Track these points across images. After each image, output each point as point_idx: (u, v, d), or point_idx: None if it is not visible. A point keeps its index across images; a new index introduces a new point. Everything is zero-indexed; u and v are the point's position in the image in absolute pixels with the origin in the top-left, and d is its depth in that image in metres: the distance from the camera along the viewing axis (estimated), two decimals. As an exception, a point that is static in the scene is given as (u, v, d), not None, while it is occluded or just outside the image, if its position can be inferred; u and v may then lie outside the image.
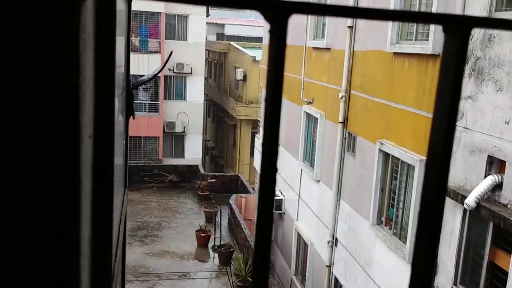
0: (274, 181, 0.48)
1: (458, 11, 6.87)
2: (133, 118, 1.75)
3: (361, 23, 10.03)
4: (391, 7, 8.63)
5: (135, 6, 25.28)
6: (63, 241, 0.49)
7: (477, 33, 6.56)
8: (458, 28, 0.47)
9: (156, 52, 25.68)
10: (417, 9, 8.18)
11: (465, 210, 6.59)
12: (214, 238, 17.79)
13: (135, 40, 25.45)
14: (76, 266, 0.50)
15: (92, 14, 0.57)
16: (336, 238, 11.02)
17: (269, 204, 0.46)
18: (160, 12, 25.55)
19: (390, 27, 8.68)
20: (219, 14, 44.18)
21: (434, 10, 7.44)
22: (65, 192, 0.48)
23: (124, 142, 1.67)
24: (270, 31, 0.47)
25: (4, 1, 0.41)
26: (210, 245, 17.96)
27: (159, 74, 25.45)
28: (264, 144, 0.46)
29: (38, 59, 0.44)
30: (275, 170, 0.47)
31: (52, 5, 0.43)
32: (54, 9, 0.43)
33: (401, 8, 8.55)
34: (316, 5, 0.48)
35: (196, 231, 18.10)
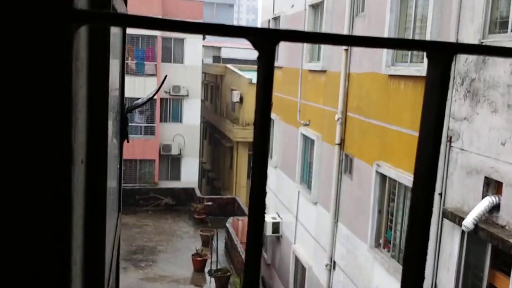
0: (263, 202, 0.47)
1: (452, 33, 6.96)
2: (127, 141, 1.73)
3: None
4: (386, 29, 8.73)
5: (131, 30, 25.63)
6: (53, 266, 0.48)
7: (471, 55, 6.63)
8: (440, 55, 0.47)
9: (153, 75, 25.82)
10: (411, 31, 8.29)
11: (463, 232, 6.56)
12: (211, 262, 17.59)
13: (131, 63, 25.61)
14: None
15: (86, 42, 0.56)
16: (334, 261, 10.92)
17: (259, 231, 0.45)
18: (157, 36, 25.79)
19: (385, 49, 8.77)
20: (216, 37, 44.63)
21: (428, 32, 7.53)
22: (56, 217, 0.47)
23: (118, 166, 1.65)
24: (258, 58, 0.47)
25: None
26: (206, 269, 17.74)
27: (155, 97, 25.53)
28: (253, 169, 0.46)
29: (31, 85, 0.43)
30: (264, 192, 0.46)
31: (45, 33, 0.42)
32: (47, 38, 0.42)
33: (396, 29, 8.66)
34: (302, 33, 0.48)
35: (192, 255, 17.91)
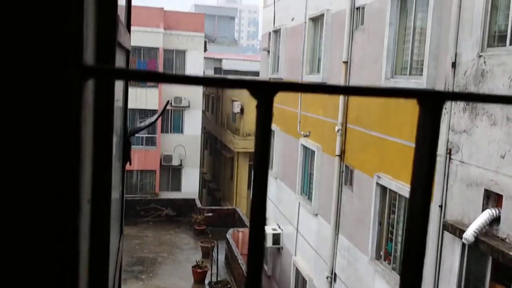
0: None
1: (451, 46, 7.01)
2: (130, 164, 1.76)
3: (356, 58, 10.20)
4: (385, 42, 8.80)
5: (133, 42, 25.70)
6: None
7: (470, 68, 6.68)
8: (430, 102, 0.50)
9: (154, 86, 25.92)
10: (410, 44, 8.34)
11: (463, 244, 6.56)
12: (211, 274, 17.52)
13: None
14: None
15: (93, 88, 0.60)
16: (335, 273, 10.88)
17: (259, 245, 0.48)
18: (158, 48, 25.92)
19: (384, 61, 8.83)
20: (217, 49, 44.86)
21: (427, 45, 7.58)
22: (62, 263, 0.49)
23: (121, 188, 1.68)
24: (257, 107, 0.51)
25: (8, 80, 0.44)
26: (206, 281, 17.67)
27: (156, 107, 25.60)
28: (251, 215, 0.49)
29: (40, 137, 0.46)
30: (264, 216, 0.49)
31: (56, 87, 0.45)
32: (58, 91, 0.45)
33: (395, 43, 8.72)
34: (298, 84, 0.52)
35: (192, 266, 17.84)
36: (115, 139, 1.38)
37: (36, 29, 0.45)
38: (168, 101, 3.35)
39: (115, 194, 1.36)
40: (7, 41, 0.44)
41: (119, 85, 1.42)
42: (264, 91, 0.52)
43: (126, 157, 1.65)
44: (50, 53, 0.45)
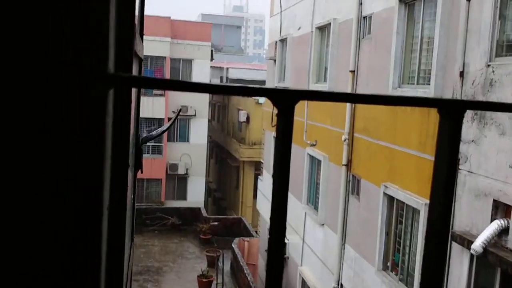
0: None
1: (458, 56, 7.00)
2: (141, 172, 1.76)
3: (363, 67, 10.20)
4: (392, 52, 8.79)
5: (140, 51, 25.74)
6: None
7: (478, 77, 6.65)
8: (451, 111, 0.50)
9: (161, 95, 26.04)
10: (418, 53, 8.33)
11: (472, 255, 6.49)
12: (216, 283, 17.45)
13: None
14: None
15: (113, 96, 0.60)
16: (342, 284, 10.80)
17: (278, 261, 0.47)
18: (165, 57, 26.07)
19: (391, 70, 8.82)
20: (223, 58, 45.05)
21: (435, 54, 7.57)
22: (86, 268, 0.49)
23: (132, 196, 1.68)
24: (278, 115, 0.51)
25: (43, 93, 0.44)
26: (212, 290, 17.59)
27: (163, 117, 25.70)
28: (271, 219, 0.48)
29: (66, 145, 0.46)
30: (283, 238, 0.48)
31: (82, 95, 0.45)
32: (84, 99, 0.46)
33: (402, 52, 8.71)
34: (319, 92, 0.51)
35: (197, 276, 17.78)
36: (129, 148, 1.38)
37: (65, 38, 0.45)
38: (181, 109, 3.36)
39: (128, 203, 1.35)
40: (36, 50, 0.44)
41: (132, 94, 1.43)
42: (286, 99, 0.52)
43: (138, 165, 1.65)
44: (77, 61, 0.45)
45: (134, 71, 1.22)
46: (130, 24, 0.73)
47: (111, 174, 0.66)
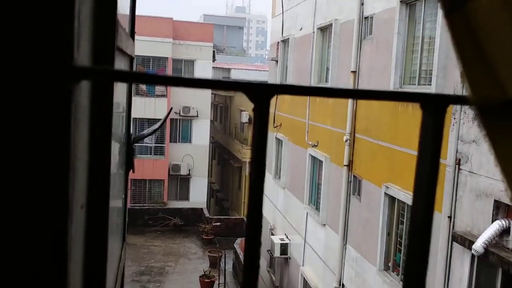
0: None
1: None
2: (133, 172, 1.76)
3: (365, 68, 10.19)
4: (394, 52, 8.78)
5: (142, 51, 25.80)
6: None
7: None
8: (434, 106, 0.49)
9: (163, 96, 26.06)
10: (419, 54, 8.32)
11: (473, 256, 6.47)
12: (219, 284, 17.45)
13: (142, 84, 25.88)
14: None
15: (88, 89, 0.59)
16: (343, 284, 10.79)
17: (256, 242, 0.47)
18: (167, 57, 26.09)
19: (393, 70, 8.81)
20: (225, 59, 45.08)
21: (436, 54, 7.56)
22: (52, 264, 0.48)
23: (123, 196, 1.68)
24: (254, 110, 0.50)
25: None
26: (214, 290, 17.59)
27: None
28: (248, 218, 0.48)
29: (29, 140, 0.45)
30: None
31: (45, 89, 0.45)
32: (47, 94, 0.45)
33: (403, 52, 8.70)
34: (295, 86, 0.51)
35: (200, 276, 17.79)
36: (118, 146, 1.38)
37: (23, 28, 0.45)
38: (171, 108, 3.37)
39: (117, 202, 1.35)
40: None
41: (122, 92, 1.42)
42: (261, 94, 0.51)
43: (129, 164, 1.65)
44: (37, 52, 0.45)
45: (122, 66, 1.22)
46: (111, 19, 0.73)
47: (89, 172, 0.66)
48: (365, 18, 10.18)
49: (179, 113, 26.70)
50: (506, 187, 0.48)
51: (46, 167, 0.46)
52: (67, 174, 0.47)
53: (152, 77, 0.48)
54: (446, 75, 7.37)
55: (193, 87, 0.51)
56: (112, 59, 0.75)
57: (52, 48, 0.45)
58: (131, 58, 1.52)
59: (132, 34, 1.63)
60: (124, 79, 0.45)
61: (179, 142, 27.32)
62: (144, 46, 24.48)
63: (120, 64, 1.15)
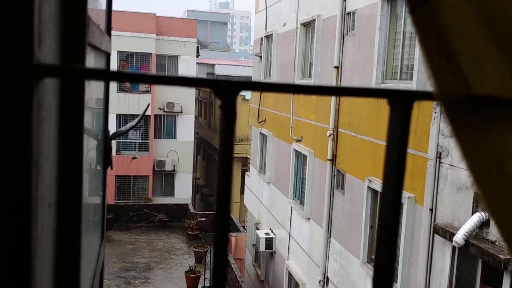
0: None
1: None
2: (111, 169, 1.76)
3: (347, 63, 10.25)
4: (375, 47, 8.84)
5: (126, 47, 25.48)
6: None
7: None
8: (401, 102, 0.50)
9: (147, 91, 25.88)
10: (400, 49, 8.39)
11: (454, 247, 6.58)
12: (204, 279, 17.47)
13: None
14: None
15: (54, 86, 0.59)
16: (327, 277, 10.88)
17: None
18: (151, 53, 25.91)
19: (375, 66, 8.88)
20: (210, 55, 44.89)
21: (417, 49, 7.63)
22: (15, 268, 0.48)
23: (102, 193, 1.68)
24: (221, 107, 0.51)
25: None
26: (200, 286, 17.60)
27: (149, 114, 25.56)
28: (216, 215, 0.49)
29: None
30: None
31: (2, 84, 0.44)
32: (3, 91, 0.45)
33: (385, 47, 8.77)
34: (260, 83, 0.52)
35: (185, 272, 17.78)
36: (94, 143, 1.37)
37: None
38: (149, 104, 3.36)
39: (93, 199, 1.35)
40: None
41: (98, 88, 1.42)
42: (227, 90, 0.52)
43: (107, 161, 1.65)
44: None
45: (97, 65, 1.22)
46: (80, 15, 0.73)
47: (59, 170, 0.66)
48: (348, 13, 10.23)
49: (163, 109, 26.56)
50: (472, 181, 0.50)
51: (6, 164, 0.46)
52: (28, 171, 0.47)
53: (119, 74, 0.49)
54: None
55: (160, 83, 0.51)
56: (83, 56, 0.75)
57: (9, 45, 0.44)
58: (107, 55, 1.52)
59: (108, 30, 1.62)
60: (87, 77, 0.45)
61: (163, 138, 27.20)
62: (127, 42, 24.26)
63: (94, 60, 1.15)
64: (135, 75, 0.50)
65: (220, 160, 0.53)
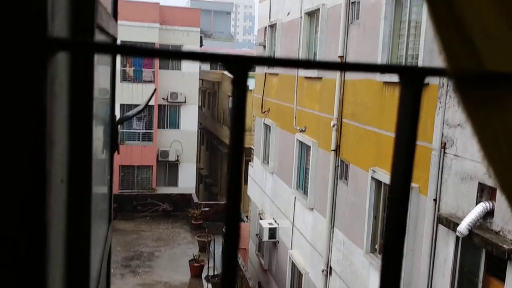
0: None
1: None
2: (118, 153, 1.77)
3: (352, 52, 10.20)
4: (380, 36, 8.79)
5: (129, 37, 25.49)
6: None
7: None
8: (412, 78, 0.50)
9: (150, 81, 25.88)
10: (405, 38, 8.34)
11: (457, 237, 6.59)
12: (208, 268, 17.57)
13: (129, 70, 25.67)
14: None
15: (66, 62, 0.59)
16: (331, 267, 10.93)
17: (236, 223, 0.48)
18: (154, 43, 25.85)
19: (379, 55, 8.83)
20: (213, 44, 44.75)
21: (422, 39, 7.59)
22: (30, 238, 0.49)
23: (109, 176, 1.68)
24: (233, 82, 0.51)
25: None
26: (203, 275, 17.72)
27: (153, 104, 25.57)
28: (228, 189, 0.49)
29: (2, 114, 0.46)
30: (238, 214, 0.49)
31: (18, 62, 0.45)
32: (20, 66, 0.45)
33: (390, 36, 8.72)
34: (272, 59, 0.51)
35: (189, 261, 17.89)
36: (102, 127, 1.38)
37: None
38: (155, 89, 3.37)
39: (102, 182, 1.36)
40: None
41: (105, 73, 1.42)
42: (239, 65, 0.52)
43: (114, 145, 1.66)
44: (9, 22, 0.45)
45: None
46: (90, -4, 0.73)
47: (69, 147, 0.66)
48: (352, 2, 10.16)
49: (167, 99, 26.56)
50: (482, 156, 0.50)
51: (22, 136, 0.47)
52: (43, 143, 0.47)
53: (131, 48, 0.49)
54: (432, 59, 7.41)
55: (172, 58, 0.51)
56: (92, 35, 0.75)
57: (26, 19, 0.45)
58: (113, 39, 1.52)
59: (114, 15, 1.62)
60: (98, 51, 0.45)
61: (167, 128, 27.22)
62: (130, 31, 24.21)
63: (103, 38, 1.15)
64: (144, 49, 0.49)
65: (232, 134, 0.53)
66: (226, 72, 30.64)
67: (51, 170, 0.52)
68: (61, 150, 0.60)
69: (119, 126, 1.78)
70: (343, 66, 0.58)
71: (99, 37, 0.95)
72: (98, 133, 1.19)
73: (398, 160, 0.55)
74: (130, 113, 2.53)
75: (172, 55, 0.51)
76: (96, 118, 1.16)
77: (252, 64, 0.54)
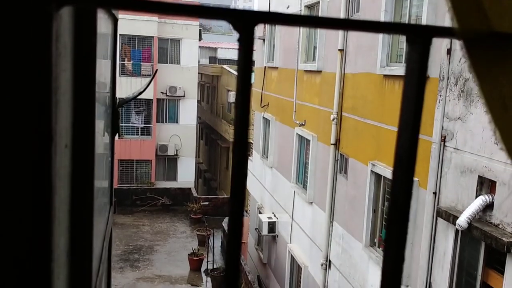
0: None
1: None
2: (119, 136, 1.75)
3: (351, 46, 10.17)
4: (380, 36, 8.75)
5: (128, 31, 25.35)
6: (34, 248, 0.49)
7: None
8: (419, 37, 0.49)
9: (149, 75, 25.80)
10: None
11: (457, 230, 6.60)
12: (207, 261, 17.61)
13: (128, 64, 25.59)
14: (48, 271, 0.49)
15: (70, 25, 0.58)
16: (330, 261, 10.95)
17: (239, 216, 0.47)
18: (153, 36, 25.78)
19: (380, 49, 8.81)
20: (212, 38, 44.65)
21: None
22: (36, 199, 0.48)
23: (110, 158, 1.68)
24: (238, 40, 0.49)
25: None
26: (203, 268, 17.75)
27: (152, 98, 25.52)
28: (234, 151, 0.48)
29: (7, 68, 0.45)
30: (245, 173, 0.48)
31: (22, 14, 0.44)
32: (25, 19, 0.44)
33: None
34: (280, 14, 0.50)
35: (188, 254, 17.92)
36: (103, 109, 1.37)
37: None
38: (156, 70, 3.35)
39: (104, 162, 1.35)
40: None
41: (105, 63, 1.40)
42: (245, 21, 0.50)
43: (115, 127, 1.65)
44: None
45: (107, 29, 1.21)
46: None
47: (73, 108, 0.65)
48: (353, -5, 10.12)
49: (166, 93, 26.51)
50: (489, 119, 0.49)
51: (26, 96, 0.46)
52: (48, 98, 0.46)
53: (136, 2, 0.47)
54: (433, 53, 7.38)
55: (176, 14, 0.49)
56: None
57: None
58: (115, 20, 1.50)
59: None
60: (102, 4, 0.44)
61: (166, 122, 27.20)
62: (129, 25, 24.13)
63: (106, 24, 1.13)
64: (147, 2, 0.48)
65: (237, 95, 0.52)
66: (224, 66, 30.47)
67: (57, 130, 0.51)
68: (65, 113, 0.59)
69: (119, 110, 1.78)
70: (348, 23, 0.56)
71: (101, 17, 0.94)
72: (101, 114, 1.18)
73: (405, 125, 0.54)
74: (131, 95, 2.52)
75: (177, 10, 0.49)
76: (99, 100, 1.15)
77: (260, 21, 0.52)
